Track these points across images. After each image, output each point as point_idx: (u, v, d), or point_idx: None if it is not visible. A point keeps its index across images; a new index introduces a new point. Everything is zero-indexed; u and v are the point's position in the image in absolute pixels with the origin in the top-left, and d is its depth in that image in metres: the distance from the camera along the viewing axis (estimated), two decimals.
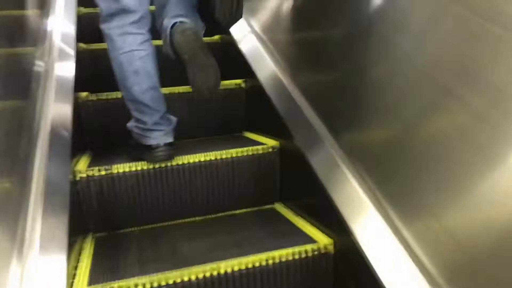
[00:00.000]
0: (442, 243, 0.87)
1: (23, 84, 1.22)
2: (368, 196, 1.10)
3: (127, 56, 1.33)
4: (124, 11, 1.31)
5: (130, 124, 1.45)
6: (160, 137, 1.41)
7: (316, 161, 1.30)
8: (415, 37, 0.98)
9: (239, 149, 1.52)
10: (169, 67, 1.61)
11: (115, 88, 1.69)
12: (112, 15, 1.32)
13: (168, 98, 1.77)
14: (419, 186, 0.93)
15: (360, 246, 1.04)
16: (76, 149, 1.49)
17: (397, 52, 1.03)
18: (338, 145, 1.25)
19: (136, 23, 1.34)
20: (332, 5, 1.31)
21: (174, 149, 1.45)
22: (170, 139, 1.43)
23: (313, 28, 1.43)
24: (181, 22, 1.39)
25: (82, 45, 2.00)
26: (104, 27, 1.35)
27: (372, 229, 1.05)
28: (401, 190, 1.00)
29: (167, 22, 1.41)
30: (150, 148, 1.40)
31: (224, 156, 1.50)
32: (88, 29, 2.10)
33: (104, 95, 1.73)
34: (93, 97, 1.73)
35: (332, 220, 1.19)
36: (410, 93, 0.97)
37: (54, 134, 1.30)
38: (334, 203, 1.17)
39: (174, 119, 1.48)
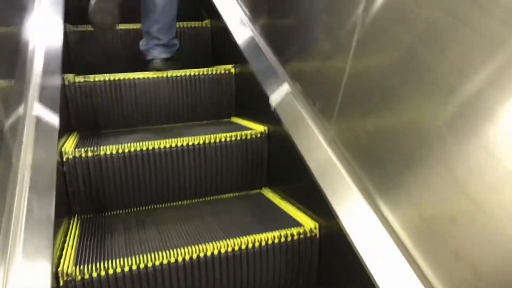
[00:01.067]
0: (419, 225, 0.89)
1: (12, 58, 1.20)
2: (354, 181, 1.11)
3: None
4: None
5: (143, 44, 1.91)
6: (160, 54, 1.88)
7: (304, 147, 1.31)
8: None
9: (227, 134, 1.53)
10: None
11: (102, 71, 1.69)
12: None
13: (157, 82, 1.78)
14: (402, 176, 0.95)
15: (344, 229, 1.06)
16: (63, 131, 1.47)
17: None
18: (327, 132, 1.26)
19: None
20: None
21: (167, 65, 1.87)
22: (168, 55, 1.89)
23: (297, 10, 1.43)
24: None
25: (69, 26, 1.97)
26: None
27: (356, 213, 1.07)
28: (385, 177, 1.02)
29: None
30: (152, 60, 1.87)
31: (212, 140, 1.50)
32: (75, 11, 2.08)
33: (91, 77, 1.71)
34: (80, 78, 1.71)
35: (318, 204, 1.20)
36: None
37: (41, 113, 1.28)
38: (320, 188, 1.18)
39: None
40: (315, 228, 1.23)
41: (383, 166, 1.03)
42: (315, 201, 1.22)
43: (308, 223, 1.25)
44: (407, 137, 0.95)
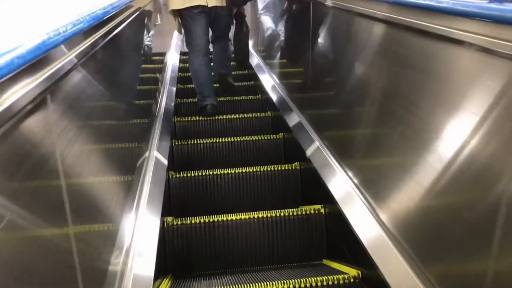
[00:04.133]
0: None
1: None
2: None
3: (200, 67, 2.90)
4: (198, 48, 2.88)
5: (197, 97, 2.98)
6: (211, 101, 2.91)
7: None
8: None
9: (318, 278, 1.46)
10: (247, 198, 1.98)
11: (199, 212, 1.79)
12: (192, 50, 2.92)
13: (247, 222, 1.82)
14: None
15: None
16: (158, 272, 1.52)
17: None
18: (428, 279, 1.14)
19: (204, 53, 2.89)
20: None
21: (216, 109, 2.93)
22: (215, 103, 2.93)
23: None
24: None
25: (172, 173, 2.17)
26: (190, 55, 2.94)
27: None
28: None
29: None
30: (205, 107, 2.90)
31: (302, 285, 1.44)
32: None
33: (188, 220, 1.81)
34: (178, 221, 1.81)
35: None
36: None
37: (138, 258, 1.35)
38: None
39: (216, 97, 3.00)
40: None
41: None
42: None
43: None
44: None
